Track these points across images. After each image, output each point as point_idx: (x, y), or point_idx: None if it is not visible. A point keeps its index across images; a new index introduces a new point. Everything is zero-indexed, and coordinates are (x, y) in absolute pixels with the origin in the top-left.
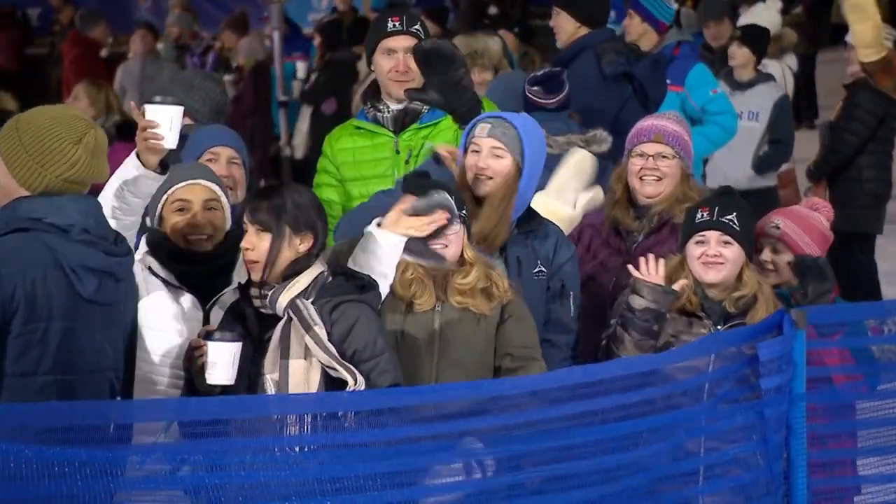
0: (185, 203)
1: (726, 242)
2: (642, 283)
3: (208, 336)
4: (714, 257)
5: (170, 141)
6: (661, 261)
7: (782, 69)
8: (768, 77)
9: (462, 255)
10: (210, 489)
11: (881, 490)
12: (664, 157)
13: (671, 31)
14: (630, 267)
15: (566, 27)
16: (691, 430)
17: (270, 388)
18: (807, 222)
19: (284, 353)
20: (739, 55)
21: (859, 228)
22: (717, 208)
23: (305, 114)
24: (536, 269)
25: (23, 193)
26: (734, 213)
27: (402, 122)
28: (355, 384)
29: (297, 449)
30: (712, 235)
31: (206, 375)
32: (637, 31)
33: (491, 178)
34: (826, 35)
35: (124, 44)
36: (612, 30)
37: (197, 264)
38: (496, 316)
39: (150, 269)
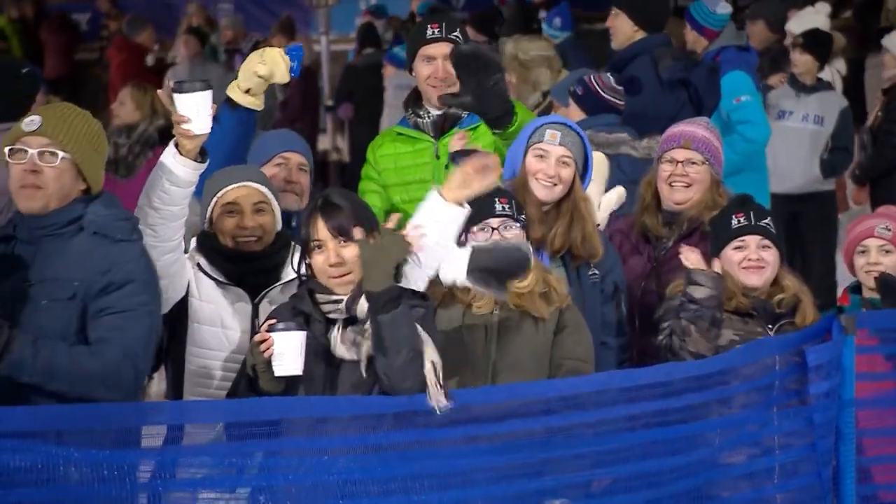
0: (235, 206)
1: (766, 246)
2: (698, 272)
3: (272, 329)
4: (756, 261)
5: (199, 126)
6: (697, 250)
7: (832, 73)
8: (828, 85)
9: None
10: (265, 490)
11: None
12: (693, 163)
13: (723, 35)
14: (682, 257)
15: (624, 29)
16: (741, 435)
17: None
18: None
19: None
20: (801, 62)
21: None
22: (752, 213)
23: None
24: (591, 272)
25: (76, 195)
26: (769, 217)
27: (441, 127)
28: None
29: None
30: (752, 240)
31: (275, 367)
32: (689, 38)
33: (557, 185)
34: (875, 39)
35: (170, 48)
36: (668, 35)
37: (246, 263)
38: (553, 321)
39: (199, 266)
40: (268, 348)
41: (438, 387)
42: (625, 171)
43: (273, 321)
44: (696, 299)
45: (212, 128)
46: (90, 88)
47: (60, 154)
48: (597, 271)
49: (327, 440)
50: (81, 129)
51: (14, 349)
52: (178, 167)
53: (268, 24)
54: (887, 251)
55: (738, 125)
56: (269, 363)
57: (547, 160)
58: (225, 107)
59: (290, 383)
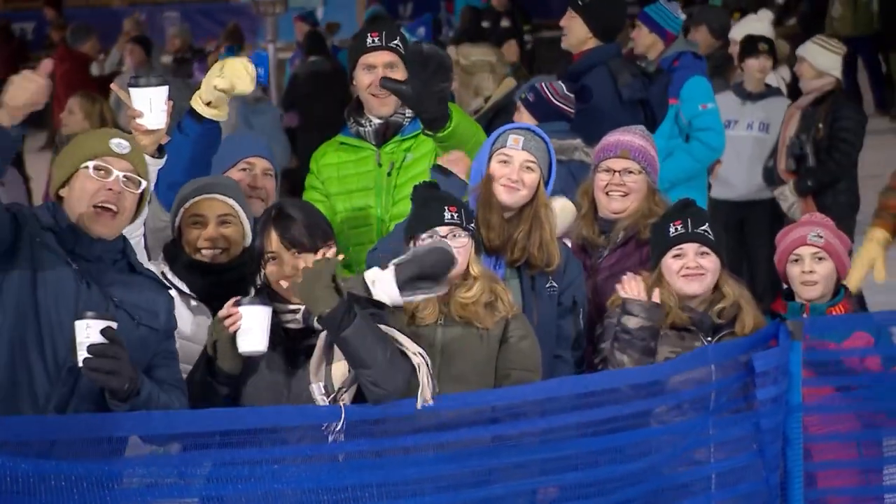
0: (200, 217)
1: (704, 253)
2: (633, 302)
3: (237, 304)
4: (694, 269)
5: (152, 121)
6: (639, 278)
7: (777, 80)
8: (777, 91)
9: (467, 268)
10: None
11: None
12: (630, 172)
13: (676, 41)
14: (618, 287)
15: (577, 32)
16: (688, 441)
17: (319, 394)
18: (839, 233)
19: (329, 359)
20: (745, 67)
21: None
22: (689, 220)
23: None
24: (549, 285)
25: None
26: (706, 224)
27: (383, 135)
28: (423, 360)
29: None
30: (690, 247)
31: (240, 343)
32: (645, 42)
33: (520, 190)
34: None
35: (108, 54)
36: (619, 45)
37: (209, 276)
38: (499, 332)
39: (163, 275)
40: (233, 323)
41: (429, 381)
42: (576, 178)
43: (237, 297)
44: (629, 329)
45: (176, 137)
46: None
47: (143, 183)
48: (555, 284)
49: (279, 450)
50: (146, 162)
51: (142, 395)
52: None
53: (215, 32)
54: (820, 258)
55: (701, 132)
56: (232, 339)
57: (510, 165)
58: (189, 118)
59: (246, 366)
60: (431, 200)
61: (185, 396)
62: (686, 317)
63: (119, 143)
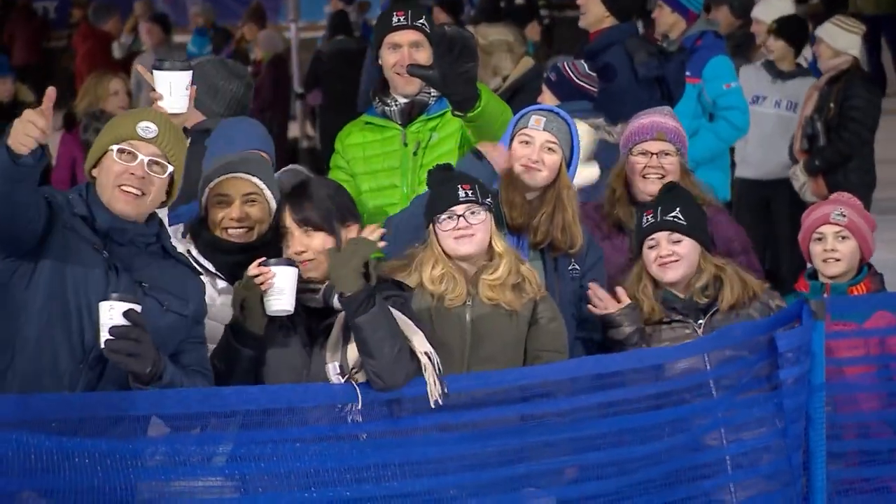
0: (225, 197)
1: (675, 241)
2: (612, 315)
3: (266, 264)
4: (668, 257)
5: (172, 104)
6: (598, 290)
7: (800, 60)
8: (807, 71)
9: (491, 246)
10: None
11: None
12: (667, 154)
13: (698, 20)
14: (598, 306)
15: (594, 10)
16: (709, 421)
17: (334, 374)
18: (863, 212)
19: (346, 339)
20: (776, 47)
21: None
22: (659, 208)
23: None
24: (571, 267)
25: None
26: (677, 209)
27: (409, 114)
28: (431, 360)
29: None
30: (661, 236)
31: (269, 303)
32: (667, 21)
33: (540, 171)
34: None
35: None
36: (636, 24)
37: (234, 254)
38: (528, 313)
39: (189, 253)
40: (264, 281)
41: (436, 381)
42: (600, 157)
43: (263, 259)
44: (621, 340)
45: None
46: (59, 77)
47: (169, 168)
48: (577, 266)
49: (300, 429)
50: (182, 145)
51: (164, 379)
52: None
53: (238, 12)
54: (843, 237)
55: (727, 111)
56: (260, 299)
57: (531, 145)
58: None
59: (267, 342)
60: (445, 181)
61: (209, 382)
62: (659, 309)
63: (147, 127)
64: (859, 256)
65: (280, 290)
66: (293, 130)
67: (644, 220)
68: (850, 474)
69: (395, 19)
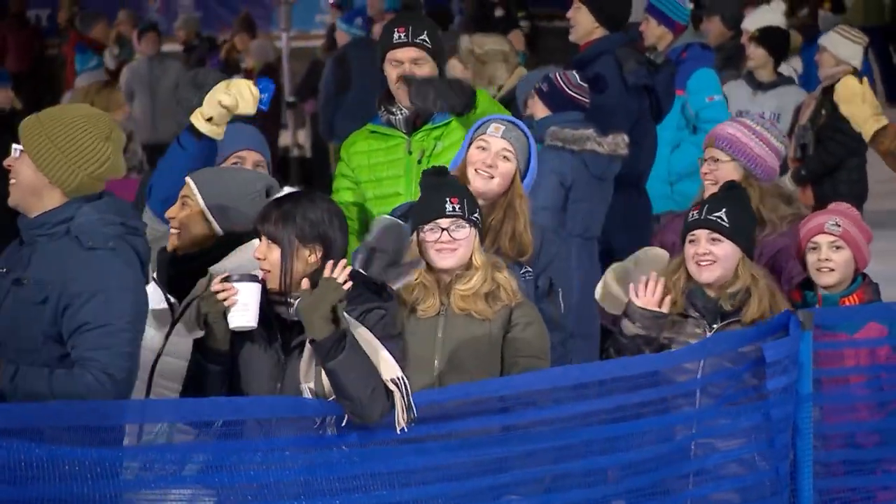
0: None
1: (715, 240)
2: (635, 308)
3: (228, 280)
4: (704, 255)
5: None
6: (655, 283)
7: (789, 72)
8: (790, 80)
9: (471, 259)
10: (220, 489)
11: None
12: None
13: (685, 33)
14: (630, 289)
15: (584, 23)
16: (698, 430)
17: (307, 395)
18: (859, 222)
19: (318, 362)
20: (756, 55)
21: None
22: (706, 206)
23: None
24: (523, 270)
25: (54, 193)
26: (723, 210)
27: (414, 123)
28: (399, 387)
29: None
30: (702, 234)
31: (231, 318)
32: (654, 34)
33: (493, 177)
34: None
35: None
36: (625, 34)
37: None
38: (502, 321)
39: (154, 279)
40: (226, 298)
41: (403, 408)
42: (590, 167)
43: (226, 275)
44: (626, 335)
45: (174, 150)
46: (53, 83)
47: (17, 148)
48: (530, 269)
49: (288, 439)
50: (47, 125)
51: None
52: None
53: (229, 20)
54: (838, 247)
55: (708, 124)
56: (223, 315)
57: (487, 151)
58: (187, 133)
59: (241, 352)
60: (435, 190)
61: (93, 372)
62: (682, 302)
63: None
64: (854, 267)
65: (244, 305)
66: (284, 139)
67: (690, 214)
68: (836, 483)
69: (395, 36)
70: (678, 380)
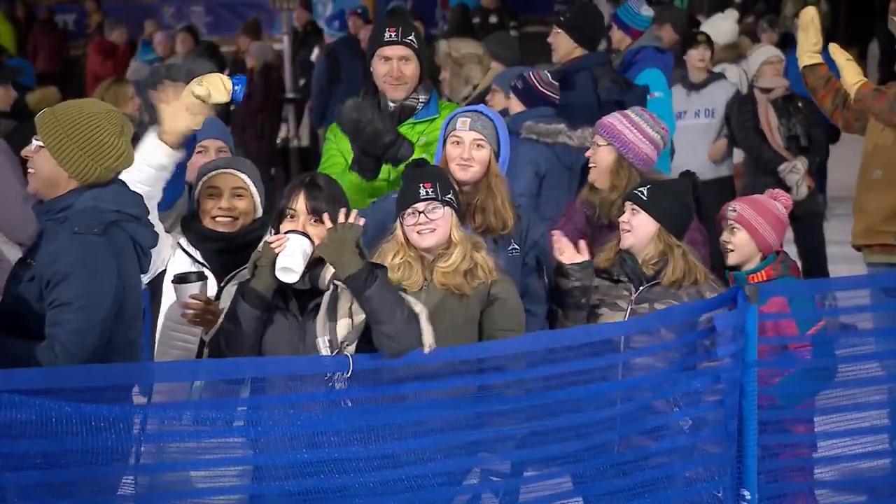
0: (216, 189)
1: (634, 211)
2: (563, 266)
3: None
4: (624, 224)
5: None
6: (582, 242)
7: (739, 73)
8: (720, 76)
9: (450, 236)
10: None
11: (828, 445)
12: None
13: (645, 36)
14: (556, 250)
15: (564, 46)
16: (657, 392)
17: (324, 348)
18: (763, 207)
19: (332, 317)
20: (705, 56)
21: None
22: (637, 184)
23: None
24: (510, 247)
25: (72, 184)
26: (647, 187)
27: (398, 117)
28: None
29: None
30: (626, 206)
31: (281, 259)
32: (615, 38)
33: (472, 166)
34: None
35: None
36: (604, 54)
37: (220, 242)
38: (480, 296)
39: (179, 245)
40: (279, 245)
41: (431, 332)
42: (561, 158)
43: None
44: (565, 290)
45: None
46: (78, 83)
47: (35, 143)
48: (517, 246)
49: (295, 396)
50: (63, 121)
51: None
52: (155, 150)
53: (235, 25)
54: (734, 229)
55: None
56: (272, 264)
57: (462, 145)
58: None
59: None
60: (411, 180)
61: (53, 346)
62: (612, 261)
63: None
64: (754, 246)
65: (291, 250)
66: (284, 131)
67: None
68: (775, 440)
69: (387, 35)
70: (638, 346)
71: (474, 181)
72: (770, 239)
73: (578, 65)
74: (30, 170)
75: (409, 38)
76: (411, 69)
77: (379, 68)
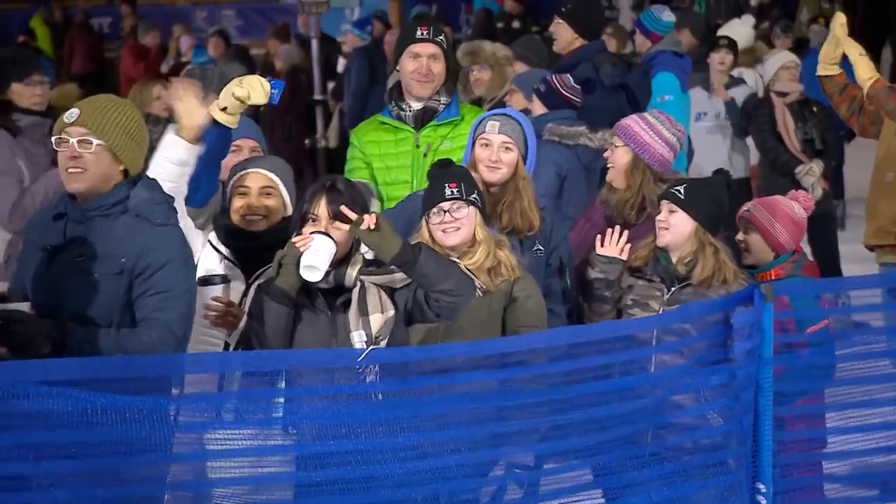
0: (246, 188)
1: (671, 210)
2: (594, 255)
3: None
4: (661, 222)
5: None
6: (621, 233)
7: (755, 77)
8: (740, 81)
9: (474, 235)
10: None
11: (842, 440)
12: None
13: (665, 40)
14: (597, 241)
15: (565, 36)
16: (676, 386)
17: (359, 341)
18: (776, 207)
19: (364, 311)
20: (727, 61)
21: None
22: (675, 182)
23: (336, 109)
24: (535, 248)
25: (120, 176)
26: (683, 185)
27: (421, 119)
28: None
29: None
30: (664, 205)
31: (305, 257)
32: (637, 42)
33: (500, 168)
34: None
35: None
36: (603, 42)
37: (248, 240)
38: (504, 293)
39: (209, 241)
40: (304, 244)
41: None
42: (581, 159)
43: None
44: (589, 280)
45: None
46: (113, 84)
47: (95, 141)
48: (541, 247)
49: (323, 388)
50: (115, 118)
51: (66, 342)
52: (174, 146)
53: (265, 28)
54: (748, 230)
55: None
56: (297, 261)
57: (490, 147)
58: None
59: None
60: (436, 179)
61: (159, 331)
62: (644, 257)
63: (69, 114)
64: (765, 246)
65: (316, 250)
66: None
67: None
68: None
69: (418, 32)
70: (657, 342)
71: (502, 183)
72: (782, 238)
73: (579, 56)
74: (76, 168)
75: (440, 37)
76: (439, 68)
77: (408, 65)
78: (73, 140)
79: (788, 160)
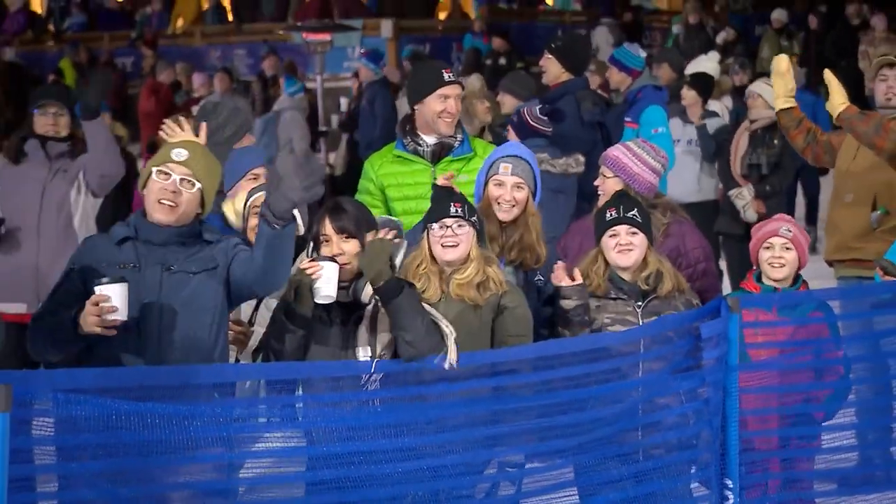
0: (259, 209)
1: (633, 232)
2: (566, 288)
3: (316, 260)
4: (625, 245)
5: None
6: (561, 267)
7: (721, 108)
8: (713, 114)
9: (469, 253)
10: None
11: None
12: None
13: (643, 76)
14: (554, 277)
15: (553, 70)
16: (652, 391)
17: (363, 356)
18: (803, 232)
19: (373, 329)
20: (688, 96)
21: None
22: (621, 207)
23: (343, 140)
24: (536, 278)
25: (194, 216)
26: (635, 209)
27: (438, 154)
28: (451, 331)
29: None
30: (622, 228)
31: (318, 289)
32: (616, 79)
33: (514, 206)
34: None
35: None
36: (586, 78)
37: None
38: (492, 305)
39: None
40: (314, 272)
41: (455, 348)
42: (546, 183)
43: (315, 256)
44: (568, 311)
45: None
46: (133, 118)
47: (197, 184)
48: (541, 277)
49: (330, 395)
50: (214, 169)
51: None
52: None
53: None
54: (788, 248)
55: None
56: (310, 287)
57: (504, 187)
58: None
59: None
60: (443, 198)
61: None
62: (605, 286)
63: (178, 153)
64: (797, 266)
65: (328, 279)
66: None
67: (608, 214)
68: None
69: (445, 76)
70: (634, 352)
71: (514, 220)
72: (806, 259)
73: (563, 90)
74: (171, 203)
75: (460, 77)
76: (459, 107)
77: (436, 106)
78: (176, 177)
79: (727, 182)
